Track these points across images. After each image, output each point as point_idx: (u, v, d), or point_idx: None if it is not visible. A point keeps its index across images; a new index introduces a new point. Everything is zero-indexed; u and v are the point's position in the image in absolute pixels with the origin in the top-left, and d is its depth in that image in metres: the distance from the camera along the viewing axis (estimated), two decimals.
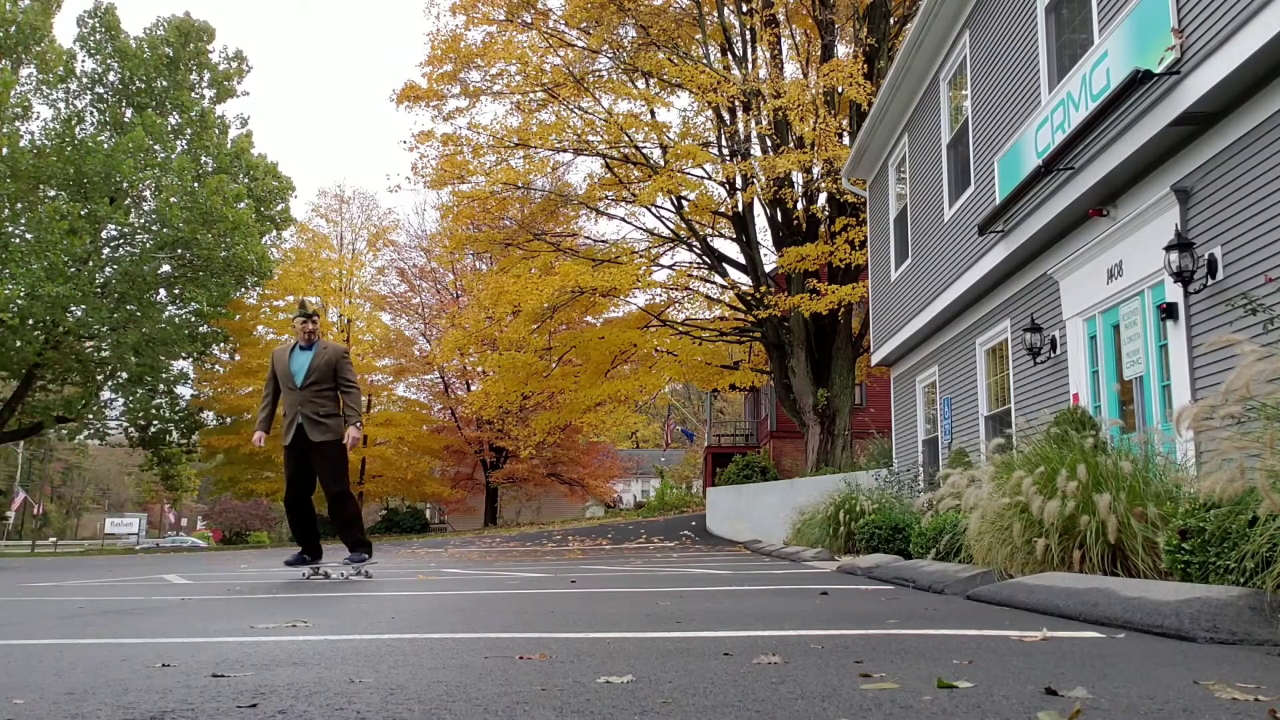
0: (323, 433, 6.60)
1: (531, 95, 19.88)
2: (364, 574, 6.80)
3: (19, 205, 24.82)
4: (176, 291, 28.39)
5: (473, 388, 33.86)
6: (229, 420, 30.63)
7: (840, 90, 17.41)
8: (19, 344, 24.63)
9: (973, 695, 1.58)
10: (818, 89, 17.35)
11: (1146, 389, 6.76)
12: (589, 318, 24.77)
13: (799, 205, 19.54)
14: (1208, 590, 2.81)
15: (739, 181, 18.63)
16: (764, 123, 18.39)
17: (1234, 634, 2.45)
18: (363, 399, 7.92)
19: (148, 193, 27.03)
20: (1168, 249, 6.11)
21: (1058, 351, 8.27)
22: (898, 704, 1.50)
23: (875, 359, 14.50)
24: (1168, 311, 6.30)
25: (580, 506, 43.05)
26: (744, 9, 19.44)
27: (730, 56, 19.79)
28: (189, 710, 1.48)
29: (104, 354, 26.89)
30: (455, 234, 22.02)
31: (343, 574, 6.79)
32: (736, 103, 18.87)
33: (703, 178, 19.88)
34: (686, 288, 21.58)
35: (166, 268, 27.68)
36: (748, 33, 19.57)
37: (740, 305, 20.41)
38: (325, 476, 6.63)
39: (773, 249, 20.36)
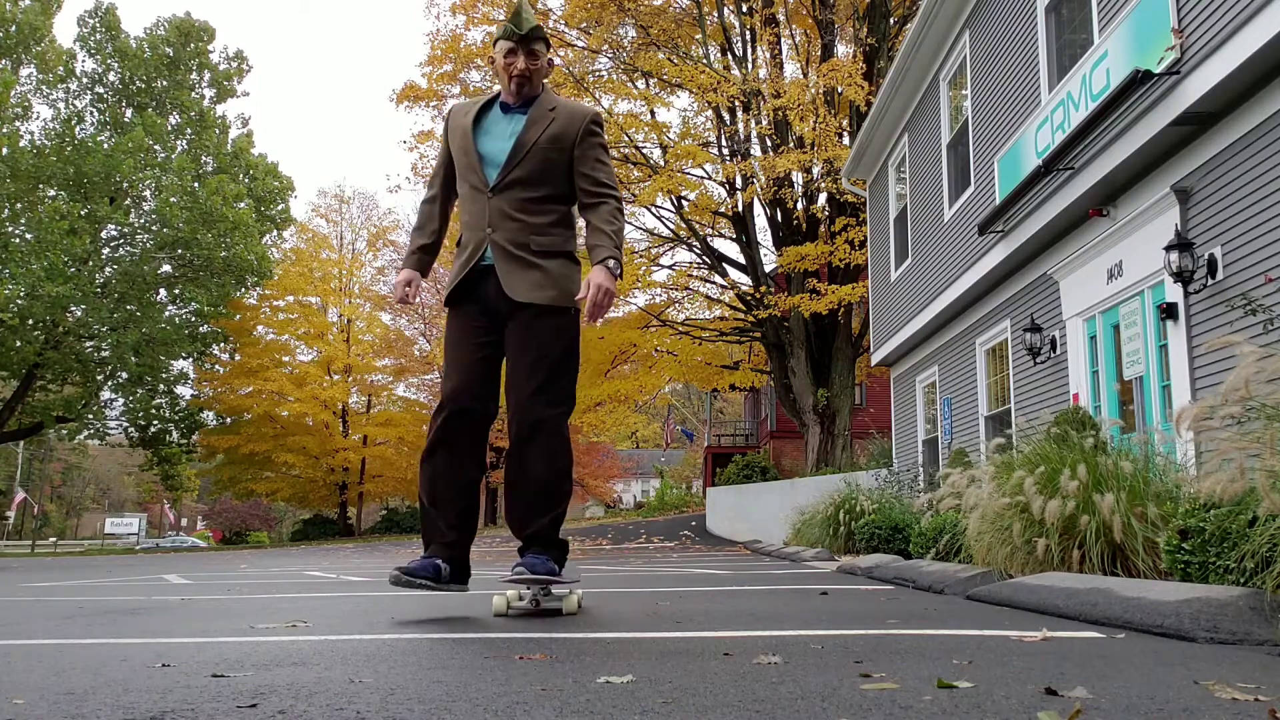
0: (536, 284, 3.17)
1: None
2: (574, 603, 3.28)
3: (19, 205, 24.82)
4: (176, 291, 28.39)
5: None
6: (229, 420, 30.62)
7: (840, 90, 17.40)
8: (19, 344, 24.63)
9: (973, 695, 1.58)
10: (818, 89, 17.35)
11: (1146, 389, 6.76)
12: None
13: (799, 205, 19.53)
14: (1208, 590, 2.81)
15: (739, 181, 18.62)
16: (764, 123, 18.39)
17: (1234, 634, 2.45)
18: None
19: (148, 193, 27.03)
20: (1168, 249, 6.11)
21: (1058, 351, 8.27)
22: (898, 704, 1.50)
23: (875, 359, 14.49)
24: (1168, 311, 6.30)
25: (580, 506, 43.06)
26: (744, 9, 19.44)
27: (730, 56, 19.79)
28: (189, 710, 1.48)
29: (104, 354, 26.89)
30: (455, 234, 22.02)
31: (532, 597, 3.34)
32: (736, 103, 18.87)
33: (703, 178, 19.88)
34: (686, 288, 21.58)
35: (166, 268, 27.69)
36: (748, 33, 19.57)
37: (740, 305, 20.41)
38: (526, 377, 3.15)
39: (773, 249, 20.36)
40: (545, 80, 3.37)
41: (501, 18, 19.54)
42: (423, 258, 3.47)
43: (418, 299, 3.34)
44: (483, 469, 3.31)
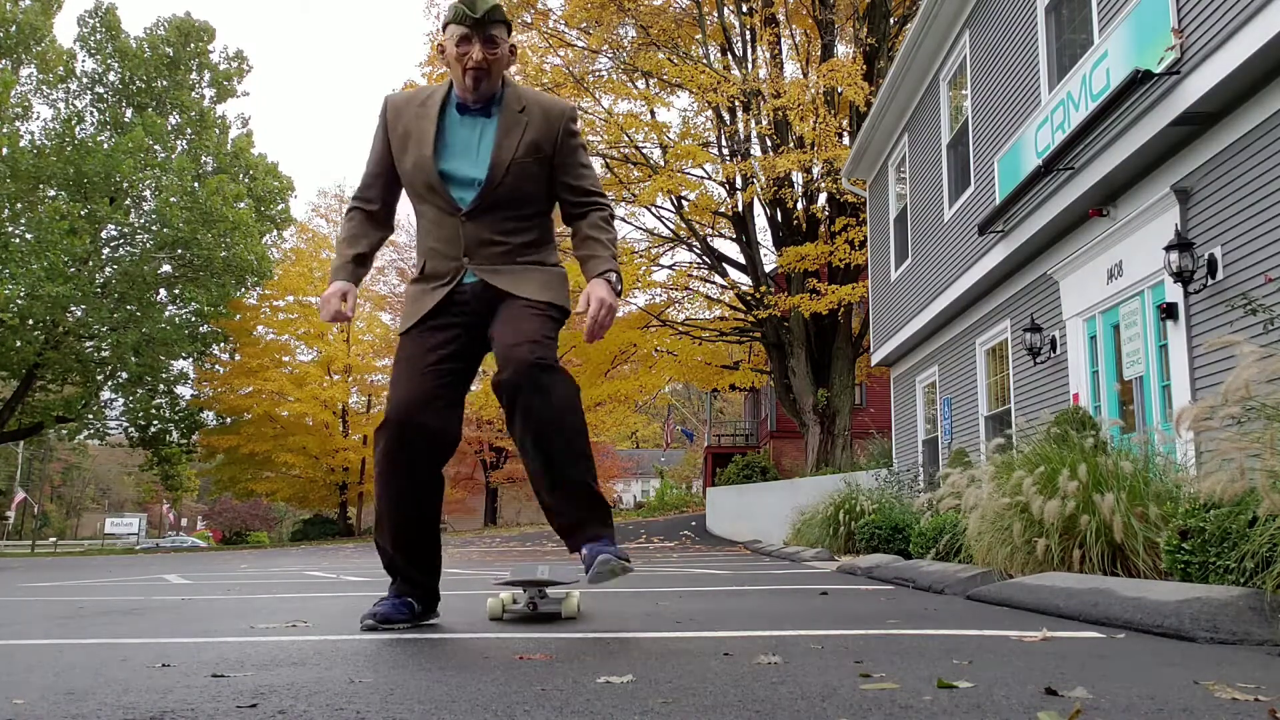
0: (535, 285, 2.83)
1: None
2: (574, 606, 3.13)
3: (19, 205, 24.82)
4: (176, 291, 28.39)
5: (474, 388, 33.84)
6: (229, 420, 30.62)
7: (840, 90, 17.41)
8: (19, 344, 24.63)
9: (973, 695, 1.58)
10: (817, 89, 17.35)
11: (1146, 389, 6.76)
12: None
13: (799, 205, 19.54)
14: (1208, 590, 2.81)
15: (739, 181, 18.63)
16: (764, 123, 18.39)
17: (1234, 634, 2.46)
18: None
19: (148, 193, 27.03)
20: (1168, 249, 6.11)
21: (1058, 351, 8.27)
22: (898, 704, 1.50)
23: (875, 359, 14.50)
24: (1168, 311, 6.30)
25: None
26: (744, 9, 19.44)
27: (730, 56, 19.79)
28: (189, 710, 1.48)
29: (104, 354, 26.89)
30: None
31: (528, 599, 3.20)
32: (736, 103, 18.87)
33: (703, 178, 19.88)
34: (686, 288, 21.58)
35: (167, 268, 27.69)
36: (748, 33, 19.57)
37: (740, 305, 20.41)
38: (514, 334, 2.70)
39: (773, 249, 20.36)
40: (506, 70, 2.83)
41: None
42: (356, 269, 2.91)
43: (352, 314, 2.83)
44: (440, 494, 2.84)
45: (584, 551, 2.65)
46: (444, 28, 2.80)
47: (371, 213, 2.99)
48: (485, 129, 2.81)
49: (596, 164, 20.32)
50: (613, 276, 2.76)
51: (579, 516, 2.69)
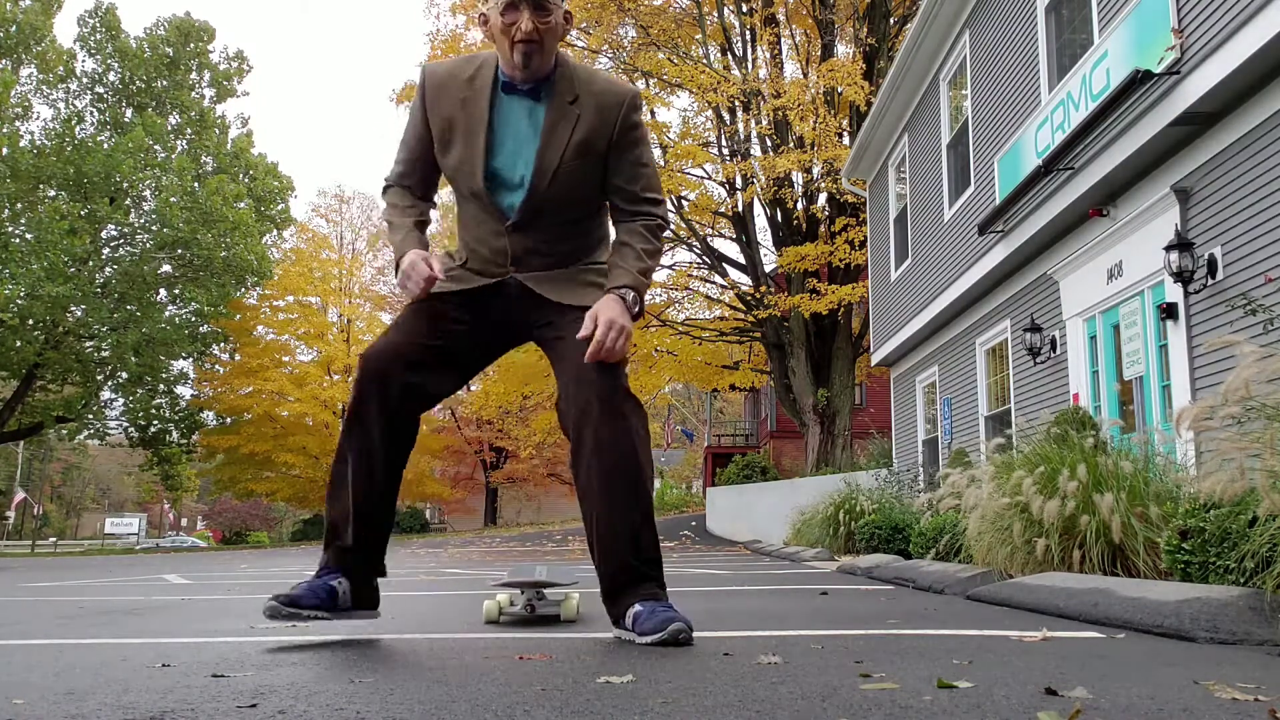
0: (583, 292, 2.52)
1: None
2: (573, 608, 3.02)
3: (19, 205, 24.81)
4: (176, 291, 28.38)
5: (473, 388, 33.81)
6: (229, 420, 30.62)
7: (840, 90, 17.41)
8: (19, 344, 24.62)
9: (973, 695, 1.58)
10: (817, 89, 17.35)
11: (1146, 389, 6.76)
12: None
13: (799, 205, 19.54)
14: (1208, 590, 2.81)
15: (739, 181, 18.63)
16: (764, 123, 18.39)
17: (1234, 634, 2.46)
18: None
19: (148, 193, 27.02)
20: (1168, 249, 6.12)
21: (1058, 351, 8.27)
22: (898, 704, 1.50)
23: (875, 359, 14.50)
24: (1168, 311, 6.30)
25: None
26: (744, 9, 19.45)
27: (730, 56, 19.80)
28: (189, 710, 1.48)
29: (104, 354, 26.89)
30: (455, 233, 22.05)
31: (526, 601, 3.06)
32: (736, 103, 18.87)
33: (703, 178, 19.89)
34: (686, 288, 21.58)
35: (167, 268, 27.68)
36: (748, 33, 19.58)
37: (740, 305, 20.41)
38: (589, 369, 2.34)
39: (773, 249, 20.37)
40: (555, 35, 2.38)
41: None
42: (421, 236, 2.54)
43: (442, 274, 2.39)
44: (409, 449, 2.50)
45: (637, 608, 2.33)
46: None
47: (406, 186, 2.63)
48: (535, 116, 2.44)
49: None
50: (629, 295, 2.37)
51: (641, 570, 2.37)
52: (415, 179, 2.62)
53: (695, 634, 2.38)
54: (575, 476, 2.42)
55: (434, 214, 2.79)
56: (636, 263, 2.44)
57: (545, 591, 3.00)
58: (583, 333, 2.29)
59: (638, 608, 2.34)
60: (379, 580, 2.54)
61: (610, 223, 2.65)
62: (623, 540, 2.35)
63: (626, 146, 2.48)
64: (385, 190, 2.67)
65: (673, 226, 20.70)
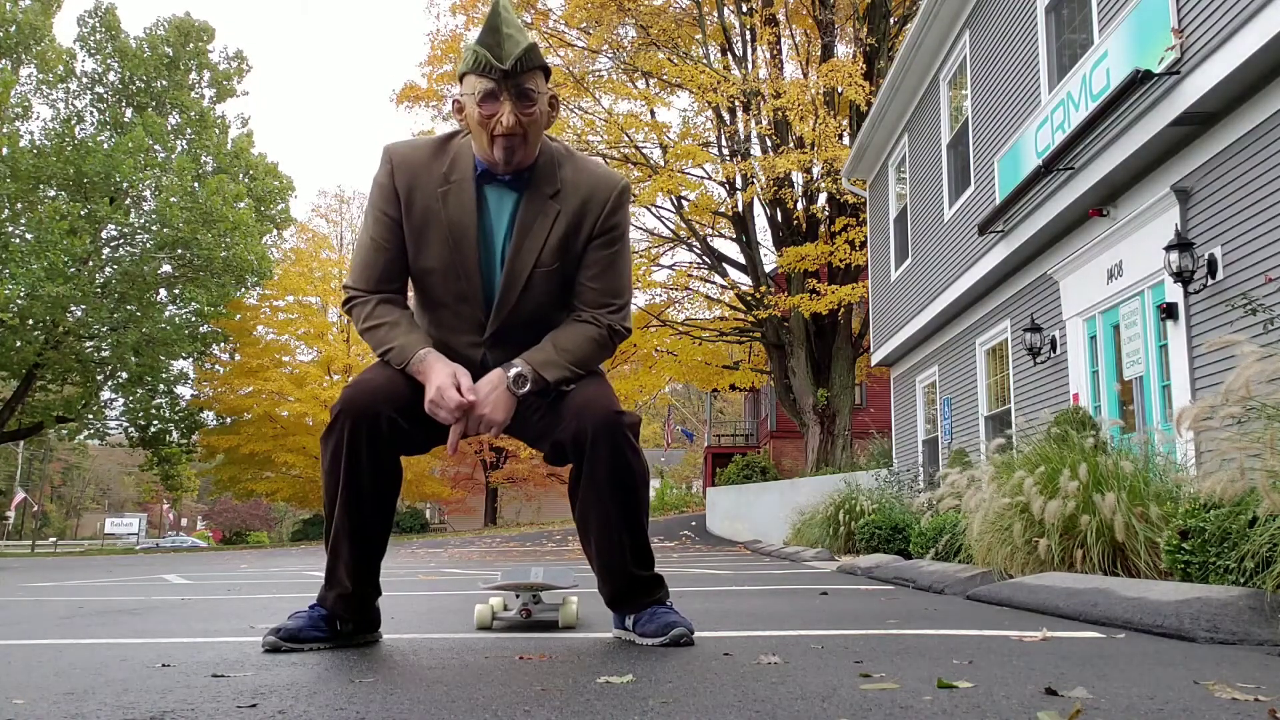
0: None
1: None
2: (573, 613, 2.88)
3: (19, 205, 24.82)
4: (176, 291, 28.39)
5: None
6: (229, 420, 30.63)
7: (840, 90, 17.42)
8: (19, 344, 24.62)
9: (973, 695, 1.58)
10: (817, 89, 17.36)
11: (1146, 389, 6.76)
12: None
13: (799, 205, 19.55)
14: (1208, 590, 2.81)
15: (739, 181, 18.63)
16: (764, 123, 18.40)
17: (1234, 634, 2.46)
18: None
19: (148, 193, 27.03)
20: (1168, 249, 6.12)
21: (1058, 351, 8.27)
22: (898, 704, 1.50)
23: (875, 359, 14.50)
24: (1168, 311, 6.30)
25: None
26: (744, 9, 19.45)
27: (730, 56, 19.80)
28: (189, 710, 1.48)
29: (104, 354, 26.89)
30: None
31: (521, 605, 2.92)
32: (736, 103, 18.88)
33: (703, 178, 19.90)
34: (686, 288, 21.59)
35: (167, 268, 27.68)
36: (748, 33, 19.58)
37: (740, 305, 20.42)
38: (590, 389, 2.30)
39: (773, 249, 20.37)
40: (539, 124, 2.16)
41: None
42: (425, 336, 2.25)
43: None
44: (394, 505, 2.36)
45: (640, 611, 2.36)
46: (461, 79, 2.17)
47: (385, 299, 2.29)
48: (510, 206, 2.24)
49: None
50: (515, 371, 2.17)
51: (642, 581, 2.36)
52: (398, 284, 2.28)
53: (695, 634, 2.38)
54: (574, 496, 2.32)
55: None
56: (554, 351, 2.22)
57: (542, 595, 2.91)
58: (464, 397, 2.12)
59: (643, 610, 2.37)
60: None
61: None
62: (624, 558, 2.31)
63: (603, 245, 2.27)
64: (354, 304, 2.29)
65: (673, 226, 20.71)
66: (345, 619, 2.31)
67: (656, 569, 2.40)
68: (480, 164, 2.20)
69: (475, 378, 2.21)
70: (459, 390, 2.12)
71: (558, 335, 2.27)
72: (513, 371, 2.17)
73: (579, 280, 2.29)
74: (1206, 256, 5.94)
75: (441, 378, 2.13)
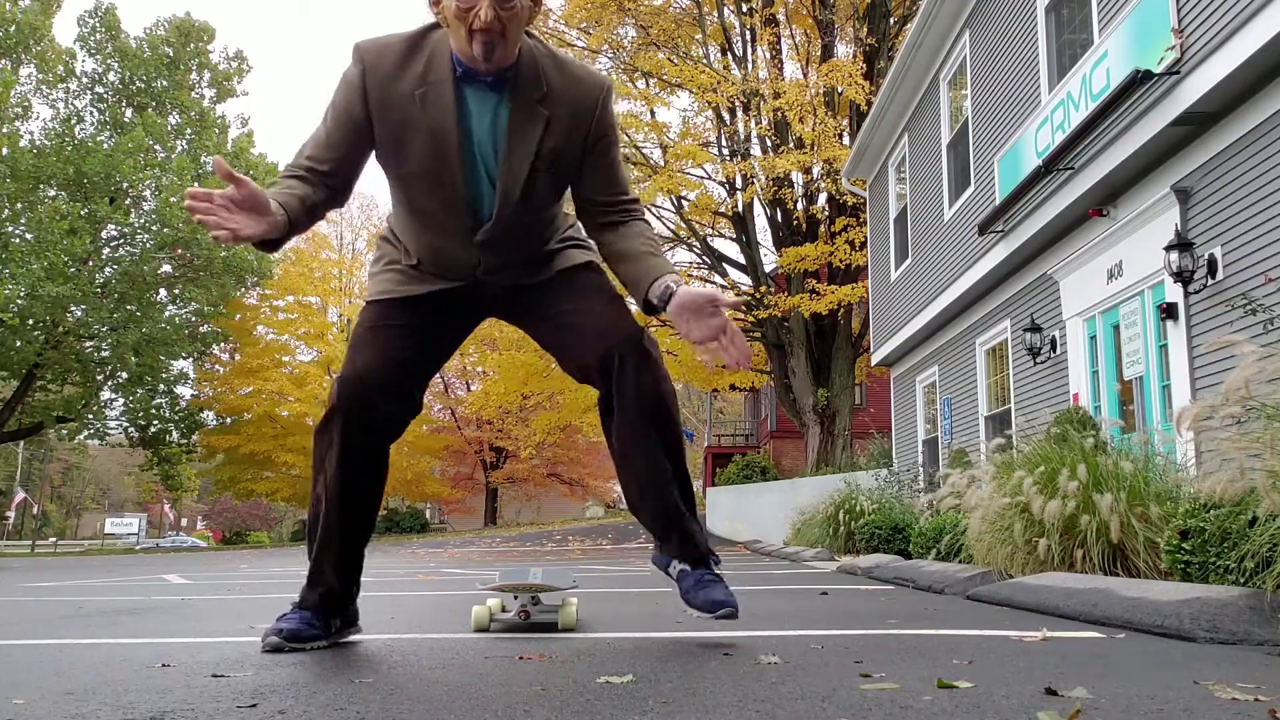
0: (562, 259, 2.39)
1: None
2: (573, 615, 2.76)
3: (19, 205, 24.81)
4: (176, 291, 28.38)
5: (473, 388, 33.85)
6: (229, 420, 30.64)
7: (840, 90, 17.42)
8: (19, 344, 24.61)
9: (973, 695, 1.58)
10: (817, 89, 17.36)
11: (1146, 389, 6.76)
12: None
13: (799, 205, 19.55)
14: (1208, 590, 2.81)
15: (739, 181, 18.63)
16: (764, 123, 18.40)
17: (1234, 634, 2.46)
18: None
19: (148, 193, 27.02)
20: (1168, 249, 6.12)
21: (1058, 351, 8.27)
22: (898, 704, 1.50)
23: (875, 359, 14.50)
24: (1168, 311, 6.30)
25: (580, 506, 43.04)
26: (744, 9, 19.46)
27: (730, 56, 19.81)
28: (189, 710, 1.48)
29: (104, 354, 26.89)
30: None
31: (520, 606, 2.82)
32: (736, 103, 18.88)
33: (703, 178, 19.90)
34: None
35: (166, 268, 27.68)
36: (748, 33, 19.59)
37: (740, 305, 20.42)
38: (605, 306, 2.30)
39: (773, 249, 20.37)
40: (518, 18, 2.00)
41: None
42: (291, 204, 2.04)
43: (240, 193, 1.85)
44: (382, 487, 2.34)
45: (686, 568, 2.34)
46: None
47: (324, 183, 2.18)
48: (495, 112, 2.10)
49: None
50: (671, 282, 2.13)
51: (683, 511, 2.33)
52: (336, 181, 2.18)
53: (695, 634, 2.38)
54: (608, 424, 2.29)
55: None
56: (670, 269, 2.17)
57: (541, 596, 2.87)
58: (701, 335, 2.03)
59: (686, 568, 2.33)
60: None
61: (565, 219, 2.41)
62: (665, 479, 2.29)
63: (600, 151, 2.21)
64: (285, 173, 2.16)
65: (673, 226, 20.71)
66: (333, 617, 2.31)
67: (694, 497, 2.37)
68: (459, 63, 2.06)
69: (468, 279, 2.24)
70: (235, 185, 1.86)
71: (648, 248, 2.20)
72: (667, 287, 2.10)
73: (589, 193, 2.25)
74: (1206, 256, 5.94)
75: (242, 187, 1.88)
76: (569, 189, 2.28)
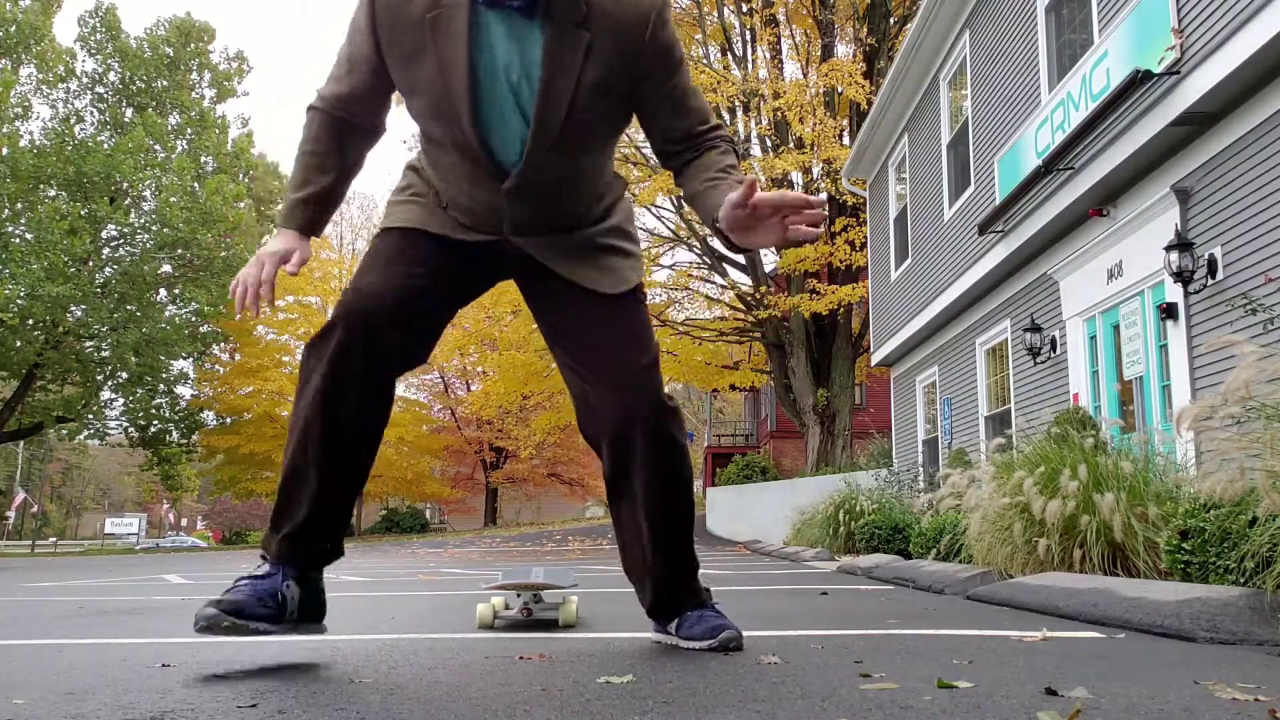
0: (598, 264, 2.08)
1: None
2: (573, 612, 2.84)
3: (19, 205, 24.81)
4: (176, 291, 28.38)
5: (473, 388, 33.84)
6: (229, 420, 30.64)
7: (840, 90, 17.42)
8: (19, 344, 24.61)
9: (973, 695, 1.58)
10: (817, 89, 17.36)
11: (1146, 389, 6.76)
12: None
13: None
14: (1208, 590, 2.81)
15: None
16: (764, 123, 18.40)
17: (1234, 634, 2.46)
18: None
19: (148, 193, 27.03)
20: (1168, 249, 6.12)
21: (1058, 351, 8.27)
22: (898, 704, 1.50)
23: (875, 359, 14.50)
24: (1168, 311, 6.30)
25: (580, 506, 43.06)
26: (744, 9, 19.46)
27: (730, 56, 19.81)
28: (189, 710, 1.48)
29: (104, 354, 26.88)
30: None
31: (522, 605, 2.90)
32: (736, 103, 18.88)
33: None
34: (686, 288, 21.60)
35: (167, 268, 27.68)
36: (748, 33, 19.59)
37: (740, 305, 20.42)
38: (627, 353, 2.06)
39: (772, 249, 20.38)
40: None
41: None
42: (314, 212, 1.99)
43: (272, 301, 1.90)
44: (386, 420, 2.02)
45: (687, 613, 2.25)
46: None
47: (340, 118, 1.99)
48: (528, 41, 1.80)
49: None
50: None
51: (685, 584, 2.27)
52: (362, 109, 1.98)
53: None
54: (614, 493, 2.16)
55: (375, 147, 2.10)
56: (718, 193, 1.89)
57: (542, 594, 2.92)
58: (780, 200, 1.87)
59: (687, 613, 2.25)
60: (330, 571, 2.19)
61: (613, 152, 2.14)
62: (672, 561, 2.23)
63: (662, 78, 1.90)
64: (311, 111, 2.00)
65: (673, 226, 20.71)
66: (292, 590, 1.89)
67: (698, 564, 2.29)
68: None
69: (492, 224, 1.99)
70: (286, 263, 1.90)
71: (699, 182, 1.94)
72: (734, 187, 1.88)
73: (659, 127, 1.98)
74: (1206, 256, 5.94)
75: (269, 249, 1.91)
76: (617, 136, 2.04)
